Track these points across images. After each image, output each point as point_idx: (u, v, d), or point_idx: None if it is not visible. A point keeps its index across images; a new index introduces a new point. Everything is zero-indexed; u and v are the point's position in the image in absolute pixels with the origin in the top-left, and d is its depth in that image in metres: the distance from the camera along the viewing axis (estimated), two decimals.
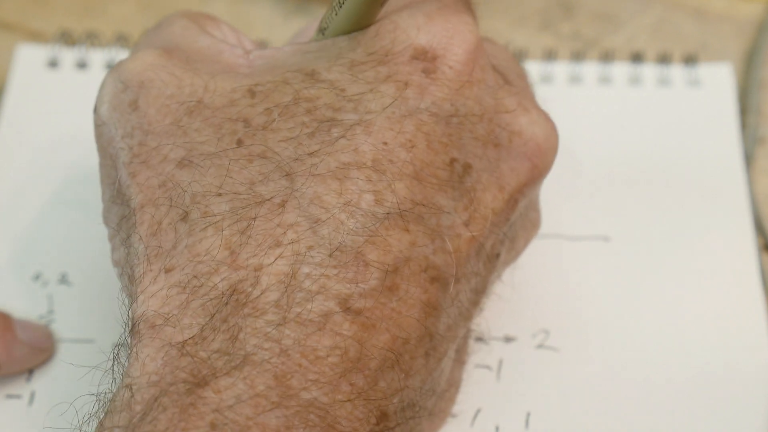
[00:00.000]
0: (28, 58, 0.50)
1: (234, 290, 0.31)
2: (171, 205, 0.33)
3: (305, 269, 0.31)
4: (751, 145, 0.47)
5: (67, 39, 0.51)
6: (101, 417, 0.31)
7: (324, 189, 0.32)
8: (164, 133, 0.34)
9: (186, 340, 0.30)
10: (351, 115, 0.33)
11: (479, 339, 0.41)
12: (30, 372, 0.40)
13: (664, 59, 0.50)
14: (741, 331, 0.41)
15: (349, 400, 0.30)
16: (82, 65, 0.50)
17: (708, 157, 0.46)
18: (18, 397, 0.40)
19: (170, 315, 0.31)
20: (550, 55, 0.50)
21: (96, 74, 0.50)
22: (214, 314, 0.31)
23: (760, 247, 0.44)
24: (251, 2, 0.54)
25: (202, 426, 0.29)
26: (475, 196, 0.34)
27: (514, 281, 0.42)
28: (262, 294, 0.31)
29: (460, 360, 0.37)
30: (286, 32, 0.52)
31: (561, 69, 0.49)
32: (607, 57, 0.50)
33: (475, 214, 0.34)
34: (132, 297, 0.32)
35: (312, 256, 0.31)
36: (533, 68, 0.49)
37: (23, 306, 0.42)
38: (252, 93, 0.34)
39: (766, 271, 0.43)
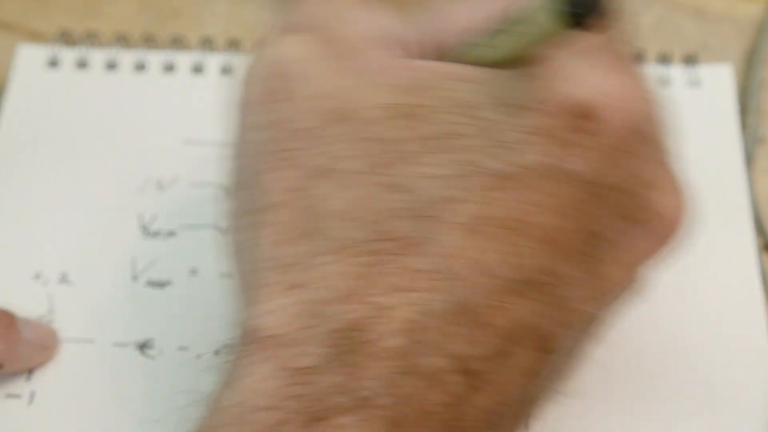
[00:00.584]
0: (29, 58, 0.50)
1: (357, 326, 0.30)
2: (305, 215, 0.31)
3: (428, 322, 0.30)
4: (751, 145, 0.47)
5: (67, 39, 0.51)
6: (205, 420, 0.30)
7: (463, 241, 0.30)
8: (309, 137, 0.32)
9: (306, 368, 0.29)
10: (507, 165, 0.31)
11: None
12: (30, 371, 0.40)
13: (664, 59, 0.50)
14: (741, 331, 0.41)
15: None
16: (82, 65, 0.50)
17: (708, 158, 0.46)
18: (18, 396, 0.40)
19: (288, 338, 0.30)
20: None
21: (96, 74, 0.50)
22: (336, 345, 0.29)
23: (760, 247, 0.44)
24: (251, 2, 0.53)
25: None
26: (603, 271, 0.32)
27: None
28: (383, 338, 0.29)
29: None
30: None
31: None
32: None
33: (598, 290, 0.33)
34: (247, 301, 0.32)
35: (437, 310, 0.30)
36: None
37: (23, 305, 0.42)
38: (408, 116, 0.32)
39: (766, 271, 0.43)
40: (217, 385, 0.31)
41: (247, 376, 0.30)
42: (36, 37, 0.52)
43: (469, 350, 0.30)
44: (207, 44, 0.51)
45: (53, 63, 0.50)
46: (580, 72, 0.31)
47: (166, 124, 0.48)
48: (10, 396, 0.40)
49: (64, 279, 0.43)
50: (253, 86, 0.34)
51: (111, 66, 0.50)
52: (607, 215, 0.32)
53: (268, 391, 0.29)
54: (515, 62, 0.32)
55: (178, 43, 0.51)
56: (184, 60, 0.50)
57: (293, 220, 0.31)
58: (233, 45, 0.51)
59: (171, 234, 0.44)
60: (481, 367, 0.30)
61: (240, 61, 0.35)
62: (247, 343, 0.30)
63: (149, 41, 0.51)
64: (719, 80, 0.49)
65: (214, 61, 0.50)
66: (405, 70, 0.33)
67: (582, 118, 0.31)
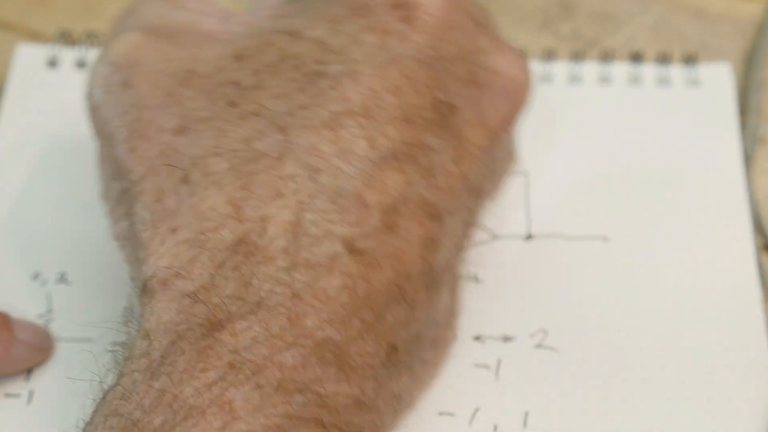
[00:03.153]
0: (28, 57, 0.50)
1: (242, 241, 0.32)
2: (171, 171, 0.34)
3: (309, 216, 0.32)
4: (751, 145, 0.47)
5: (66, 39, 0.51)
6: (120, 367, 0.32)
7: (318, 139, 0.33)
8: (158, 106, 0.35)
9: (198, 289, 0.32)
10: (337, 66, 0.34)
11: (477, 338, 0.41)
12: (29, 371, 0.40)
13: (664, 59, 0.49)
14: (741, 331, 0.41)
15: (360, 336, 0.32)
16: (81, 65, 0.50)
17: (708, 158, 0.46)
18: (17, 396, 0.40)
19: (180, 269, 0.32)
20: (549, 55, 0.50)
21: None
22: (224, 263, 0.32)
23: (760, 247, 0.44)
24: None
25: (220, 366, 0.30)
26: (461, 134, 0.35)
27: (513, 281, 0.42)
28: (270, 243, 0.32)
29: (453, 291, 0.38)
30: None
31: (560, 69, 0.49)
32: (606, 57, 0.50)
33: (462, 151, 0.35)
34: (141, 261, 0.33)
35: (314, 204, 0.32)
36: (533, 67, 0.49)
37: (22, 305, 0.42)
38: (239, 57, 0.35)
39: (765, 271, 0.43)
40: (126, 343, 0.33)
41: (149, 316, 0.32)
42: (36, 36, 0.52)
43: (352, 231, 0.32)
44: None
45: (53, 63, 0.50)
46: None
47: None
48: (9, 395, 0.40)
49: (62, 279, 0.43)
50: (100, 87, 0.37)
51: None
52: (449, 84, 0.35)
53: (167, 320, 0.31)
54: None
55: None
56: None
57: (161, 180, 0.34)
58: None
59: None
60: (370, 244, 0.33)
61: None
62: (145, 291, 0.33)
63: None
64: (719, 80, 0.49)
65: None
66: (224, 28, 0.37)
67: (401, 8, 0.36)
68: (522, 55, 0.38)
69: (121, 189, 0.35)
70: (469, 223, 0.37)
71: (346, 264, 0.32)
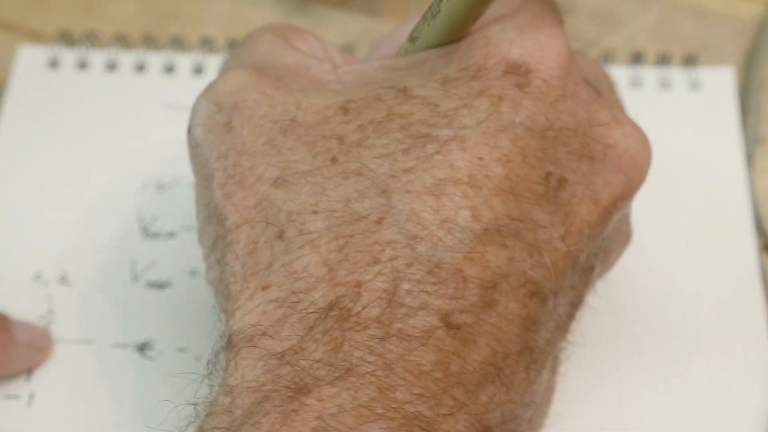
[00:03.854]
0: (29, 58, 0.50)
1: (334, 305, 0.31)
2: (267, 224, 0.33)
3: (405, 285, 0.31)
4: (751, 145, 0.47)
5: (67, 39, 0.51)
6: (201, 422, 0.31)
7: (420, 205, 0.32)
8: (258, 153, 0.34)
9: (286, 350, 0.31)
10: (445, 130, 0.33)
11: None
12: (29, 372, 0.40)
13: (664, 59, 0.50)
14: (741, 331, 0.41)
15: (451, 414, 0.30)
16: (82, 65, 0.50)
17: (709, 160, 0.46)
18: (17, 397, 0.40)
19: (268, 328, 0.31)
20: None
21: (96, 75, 0.50)
22: (314, 326, 0.31)
23: (760, 247, 0.44)
24: (251, 2, 0.54)
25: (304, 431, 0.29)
26: (571, 210, 0.34)
27: None
28: (363, 309, 0.31)
29: (554, 369, 0.37)
30: None
31: None
32: (607, 57, 0.50)
33: (570, 228, 0.34)
34: (228, 314, 0.33)
35: (411, 273, 0.31)
36: None
37: (23, 306, 0.42)
38: (345, 110, 0.34)
39: (766, 271, 0.43)
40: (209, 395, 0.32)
41: (233, 372, 0.31)
42: (36, 37, 0.52)
43: (449, 305, 0.31)
44: (207, 44, 0.51)
45: (53, 63, 0.50)
46: (507, 34, 0.34)
47: (166, 125, 0.48)
48: (9, 397, 0.40)
49: (63, 280, 0.43)
50: (201, 125, 0.35)
51: (111, 66, 0.50)
52: (561, 156, 0.34)
53: (252, 378, 0.30)
54: (449, 41, 0.35)
55: (178, 43, 0.51)
56: (184, 60, 0.50)
57: (256, 233, 0.33)
58: (233, 45, 0.51)
59: (171, 235, 0.44)
60: (467, 320, 0.31)
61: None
62: (230, 346, 0.32)
63: (149, 42, 0.51)
64: (720, 83, 0.49)
65: (214, 62, 0.50)
66: (335, 77, 0.36)
67: (516, 74, 0.34)
68: (641, 130, 0.36)
69: (215, 234, 0.35)
70: (575, 303, 0.35)
71: (441, 338, 0.31)
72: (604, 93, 0.37)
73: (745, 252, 0.43)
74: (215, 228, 0.34)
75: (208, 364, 0.33)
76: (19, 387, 0.40)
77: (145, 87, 0.50)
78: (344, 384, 0.30)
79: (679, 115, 0.48)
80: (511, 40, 0.34)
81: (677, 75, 0.49)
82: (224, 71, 0.37)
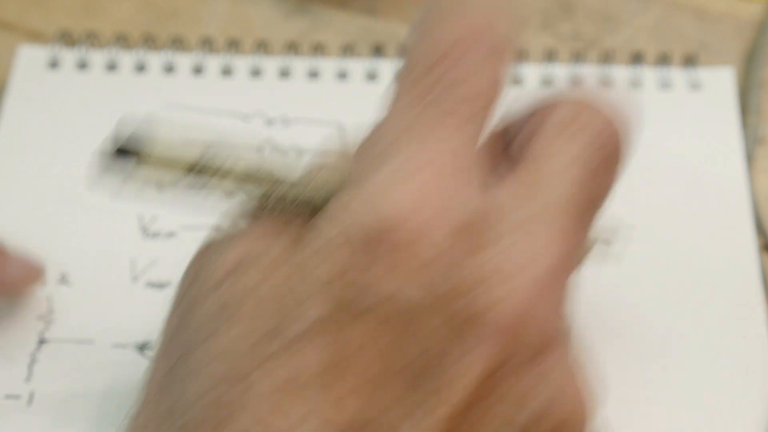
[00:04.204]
0: (29, 58, 0.50)
1: None
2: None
3: None
4: (751, 145, 0.47)
5: (67, 39, 0.51)
6: None
7: (270, 410, 0.28)
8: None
9: None
10: (294, 325, 0.29)
11: None
12: (29, 372, 0.40)
13: (664, 59, 0.49)
14: (741, 331, 0.41)
15: None
16: (82, 66, 0.50)
17: (709, 161, 0.46)
18: (17, 397, 0.40)
19: None
20: (550, 57, 0.50)
21: (96, 75, 0.50)
22: None
23: (760, 247, 0.44)
24: (251, 2, 0.54)
25: None
26: (439, 399, 0.29)
27: None
28: None
29: None
30: (286, 32, 0.52)
31: (561, 71, 0.49)
32: (607, 57, 0.50)
33: (436, 418, 0.29)
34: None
35: None
36: (533, 70, 0.49)
37: (23, 306, 0.42)
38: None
39: (766, 271, 0.43)
40: None
41: None
42: (36, 37, 0.52)
43: None
44: (207, 44, 0.51)
45: (53, 64, 0.50)
46: (365, 195, 0.29)
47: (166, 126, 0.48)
48: (9, 396, 0.40)
49: (63, 280, 0.43)
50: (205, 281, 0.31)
51: (111, 67, 0.50)
52: (423, 335, 0.29)
53: None
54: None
55: (178, 43, 0.51)
56: (184, 60, 0.50)
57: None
58: (233, 45, 0.51)
59: (171, 235, 0.44)
60: None
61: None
62: None
63: (149, 42, 0.51)
64: (720, 83, 0.49)
65: (214, 62, 0.50)
66: None
67: (365, 243, 0.29)
68: (521, 277, 0.29)
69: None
70: None
71: None
72: (487, 241, 0.30)
73: (745, 252, 0.43)
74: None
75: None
76: (19, 387, 0.40)
77: (145, 87, 0.50)
78: None
79: (679, 115, 0.48)
80: (387, 200, 0.29)
81: (677, 75, 0.49)
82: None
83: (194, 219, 0.44)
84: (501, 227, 0.29)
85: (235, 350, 0.29)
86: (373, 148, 0.30)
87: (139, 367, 0.41)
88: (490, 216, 0.30)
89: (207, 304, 0.30)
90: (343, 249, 0.29)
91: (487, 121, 0.31)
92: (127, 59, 0.50)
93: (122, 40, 0.51)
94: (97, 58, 0.50)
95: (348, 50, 0.51)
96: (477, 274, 0.29)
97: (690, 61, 0.50)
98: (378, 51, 0.51)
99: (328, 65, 0.50)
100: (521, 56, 0.50)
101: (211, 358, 0.29)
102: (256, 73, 0.50)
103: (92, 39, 0.51)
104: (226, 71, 0.50)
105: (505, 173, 0.31)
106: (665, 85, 0.49)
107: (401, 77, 0.31)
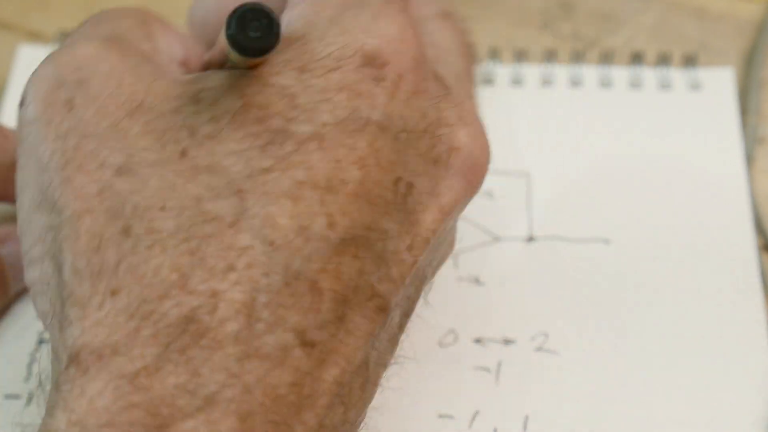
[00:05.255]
0: (29, 58, 0.50)
1: (190, 319, 0.28)
2: (111, 216, 0.30)
3: (262, 298, 0.29)
4: (751, 145, 0.47)
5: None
6: None
7: (278, 209, 0.30)
8: (102, 137, 0.31)
9: (139, 371, 0.28)
10: (304, 126, 0.31)
11: (478, 341, 0.41)
12: (29, 372, 0.40)
13: (664, 59, 0.49)
14: (741, 331, 0.41)
15: None
16: None
17: (709, 161, 0.46)
18: (17, 397, 0.40)
19: (119, 344, 0.28)
20: (550, 57, 0.50)
21: None
22: (169, 344, 0.28)
23: (760, 247, 0.44)
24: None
25: None
26: (416, 218, 0.32)
27: (514, 283, 0.42)
28: (220, 325, 0.28)
29: (377, 384, 0.34)
30: None
31: (561, 72, 0.49)
32: (606, 57, 0.50)
33: (416, 238, 0.32)
34: (70, 323, 0.29)
35: (268, 284, 0.29)
36: (533, 71, 0.49)
37: (22, 306, 0.42)
38: (197, 99, 0.32)
39: (766, 271, 0.43)
40: (44, 416, 0.29)
41: (80, 397, 0.28)
42: (36, 37, 0.52)
43: (306, 320, 0.29)
44: None
45: None
46: (360, 22, 0.32)
47: None
48: (9, 396, 0.40)
49: None
50: (39, 100, 0.32)
51: None
52: (410, 159, 0.32)
53: (104, 407, 0.28)
54: None
55: None
56: None
57: (99, 225, 0.30)
58: None
59: None
60: (322, 337, 0.29)
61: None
62: (76, 362, 0.29)
63: None
64: (720, 83, 0.49)
65: None
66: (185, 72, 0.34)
67: (372, 66, 0.32)
68: (484, 132, 0.34)
69: (47, 225, 0.31)
70: (407, 314, 0.34)
71: (297, 357, 0.29)
72: (454, 84, 0.35)
73: (745, 252, 0.43)
74: (47, 217, 0.31)
75: (38, 376, 0.30)
76: (19, 387, 0.40)
77: None
78: (204, 416, 0.28)
79: (679, 116, 0.48)
80: (365, 27, 0.32)
81: (677, 75, 0.49)
82: (72, 41, 0.34)
83: None
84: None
85: (245, 150, 0.30)
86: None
87: None
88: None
89: None
90: (352, 62, 0.32)
91: None
92: None
93: None
94: None
95: None
96: (455, 113, 0.34)
97: (690, 61, 0.50)
98: None
99: None
100: (521, 56, 0.50)
101: (219, 156, 0.30)
102: None
103: None
104: None
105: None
106: (665, 85, 0.49)
107: None
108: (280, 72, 0.32)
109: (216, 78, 0.32)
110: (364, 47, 0.32)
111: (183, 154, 0.31)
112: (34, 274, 0.32)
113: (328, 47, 0.32)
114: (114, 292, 0.29)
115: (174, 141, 0.31)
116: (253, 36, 0.30)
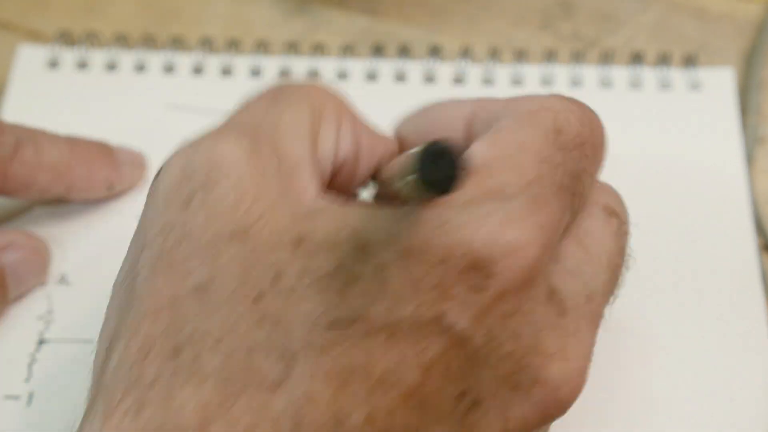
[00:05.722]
0: (29, 58, 0.50)
1: None
2: (170, 331, 0.29)
3: None
4: (751, 145, 0.47)
5: (66, 39, 0.51)
6: None
7: (321, 390, 0.28)
8: (200, 247, 0.30)
9: None
10: (382, 312, 0.29)
11: None
12: (29, 372, 0.40)
13: (664, 59, 0.50)
14: (741, 331, 0.41)
15: None
16: (82, 65, 0.50)
17: (709, 161, 0.46)
18: (16, 397, 0.40)
19: None
20: (550, 57, 0.50)
21: (96, 75, 0.50)
22: None
23: (760, 247, 0.44)
24: (251, 2, 0.54)
25: None
26: None
27: None
28: None
29: None
30: (286, 32, 0.52)
31: (561, 72, 0.49)
32: (606, 57, 0.50)
33: None
34: (95, 407, 0.30)
35: None
36: (533, 71, 0.49)
37: (22, 305, 0.42)
38: (297, 242, 0.30)
39: (766, 271, 0.43)
40: None
41: None
42: (36, 37, 0.52)
43: None
44: (207, 44, 0.51)
45: (53, 63, 0.50)
46: (477, 218, 0.29)
47: (165, 125, 0.48)
48: (8, 397, 0.40)
49: (63, 280, 0.43)
50: (167, 185, 0.32)
51: (111, 66, 0.50)
52: (484, 377, 0.30)
53: None
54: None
55: (178, 43, 0.51)
56: (184, 60, 0.50)
57: (156, 334, 0.29)
58: (233, 45, 0.51)
59: None
60: None
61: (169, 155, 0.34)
62: None
63: (149, 42, 0.51)
64: (720, 83, 0.49)
65: (214, 62, 0.50)
66: (312, 202, 0.32)
67: (476, 274, 0.29)
68: (585, 371, 0.31)
69: (123, 303, 0.31)
70: None
71: None
72: (579, 305, 0.32)
73: (745, 252, 0.43)
74: (125, 295, 0.31)
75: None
76: (19, 387, 0.40)
77: (145, 87, 0.50)
78: None
79: (679, 116, 0.48)
80: (490, 229, 0.29)
81: (677, 75, 0.49)
82: (228, 127, 0.33)
83: None
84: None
85: (315, 318, 0.29)
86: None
87: None
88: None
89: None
90: (458, 263, 0.29)
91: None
92: (126, 59, 0.50)
93: (122, 40, 0.51)
94: (97, 58, 0.50)
95: (348, 50, 0.51)
96: (558, 343, 0.31)
97: (690, 61, 0.50)
98: (378, 51, 0.51)
99: (327, 65, 0.50)
100: (521, 56, 0.50)
101: (290, 314, 0.29)
102: (256, 73, 0.50)
103: (92, 39, 0.51)
104: (226, 71, 0.50)
105: None
106: (665, 85, 0.49)
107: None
108: (386, 247, 0.30)
109: (326, 226, 0.30)
110: (475, 250, 0.29)
111: (259, 297, 0.29)
112: (96, 349, 0.33)
113: (442, 237, 0.29)
114: (140, 408, 0.28)
115: (256, 279, 0.30)
116: (441, 174, 0.26)
